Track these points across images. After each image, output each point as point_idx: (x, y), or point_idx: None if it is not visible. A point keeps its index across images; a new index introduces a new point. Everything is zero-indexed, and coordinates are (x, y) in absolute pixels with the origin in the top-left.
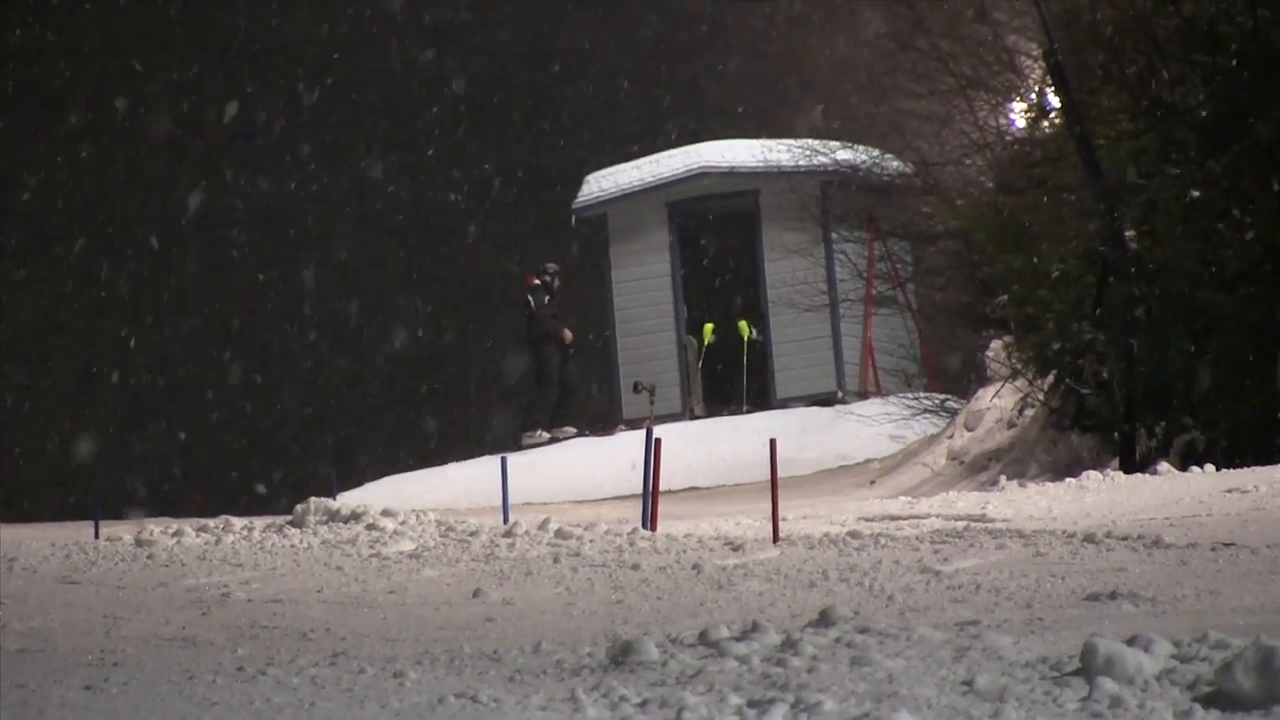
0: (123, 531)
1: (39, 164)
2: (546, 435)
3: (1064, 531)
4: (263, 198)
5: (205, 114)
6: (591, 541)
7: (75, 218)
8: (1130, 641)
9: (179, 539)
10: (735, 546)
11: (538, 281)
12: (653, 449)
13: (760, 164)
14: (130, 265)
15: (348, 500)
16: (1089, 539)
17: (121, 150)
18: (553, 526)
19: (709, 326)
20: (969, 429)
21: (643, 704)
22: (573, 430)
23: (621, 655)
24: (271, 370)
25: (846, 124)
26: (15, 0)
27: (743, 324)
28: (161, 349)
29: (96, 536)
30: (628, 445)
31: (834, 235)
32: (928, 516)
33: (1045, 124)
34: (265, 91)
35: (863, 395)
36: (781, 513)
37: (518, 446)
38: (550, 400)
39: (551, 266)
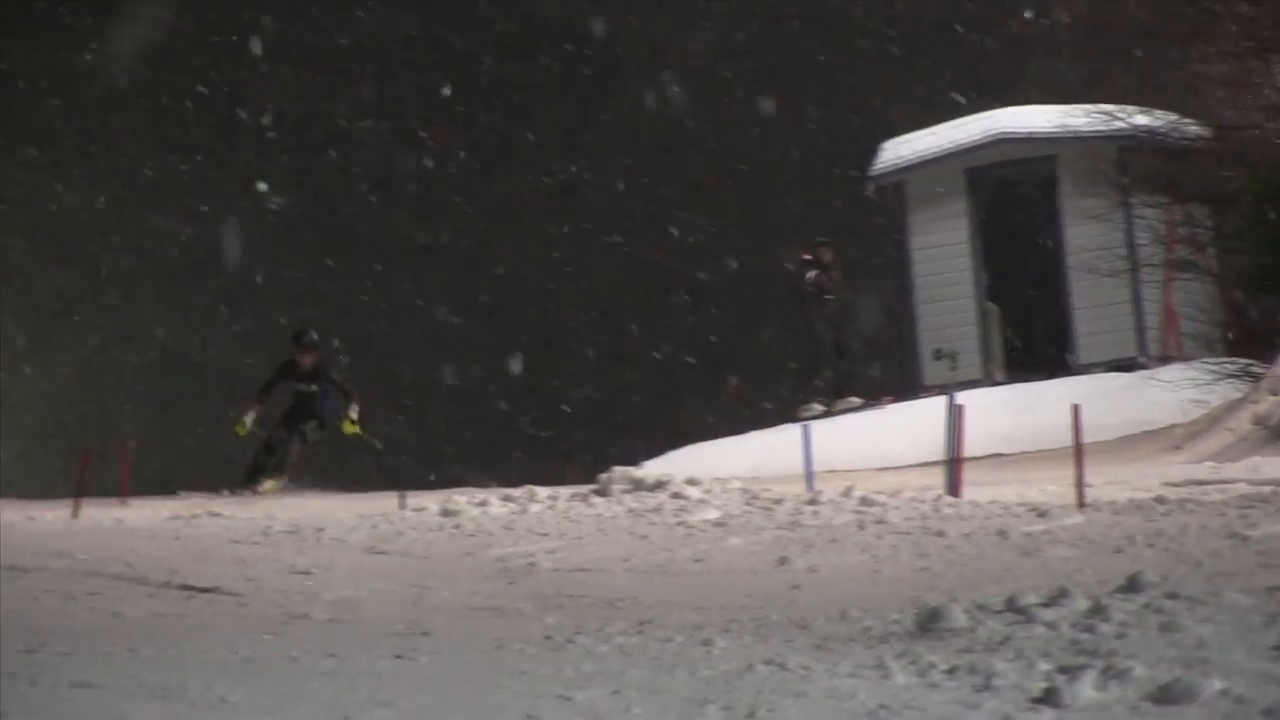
0: (429, 502)
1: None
2: (821, 408)
3: None
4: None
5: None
6: (896, 508)
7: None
8: None
9: (485, 509)
10: (1040, 512)
11: (807, 256)
12: (956, 416)
13: (1058, 129)
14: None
15: (651, 469)
16: None
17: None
18: (857, 494)
19: None
20: (1274, 393)
21: (951, 671)
22: (857, 401)
23: (929, 622)
24: (578, 342)
25: (1143, 87)
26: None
27: None
28: (465, 327)
29: (402, 507)
30: (931, 412)
31: (1133, 200)
32: (1234, 481)
33: None
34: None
35: (1164, 360)
36: (1086, 478)
37: (794, 420)
38: (822, 374)
39: (821, 239)
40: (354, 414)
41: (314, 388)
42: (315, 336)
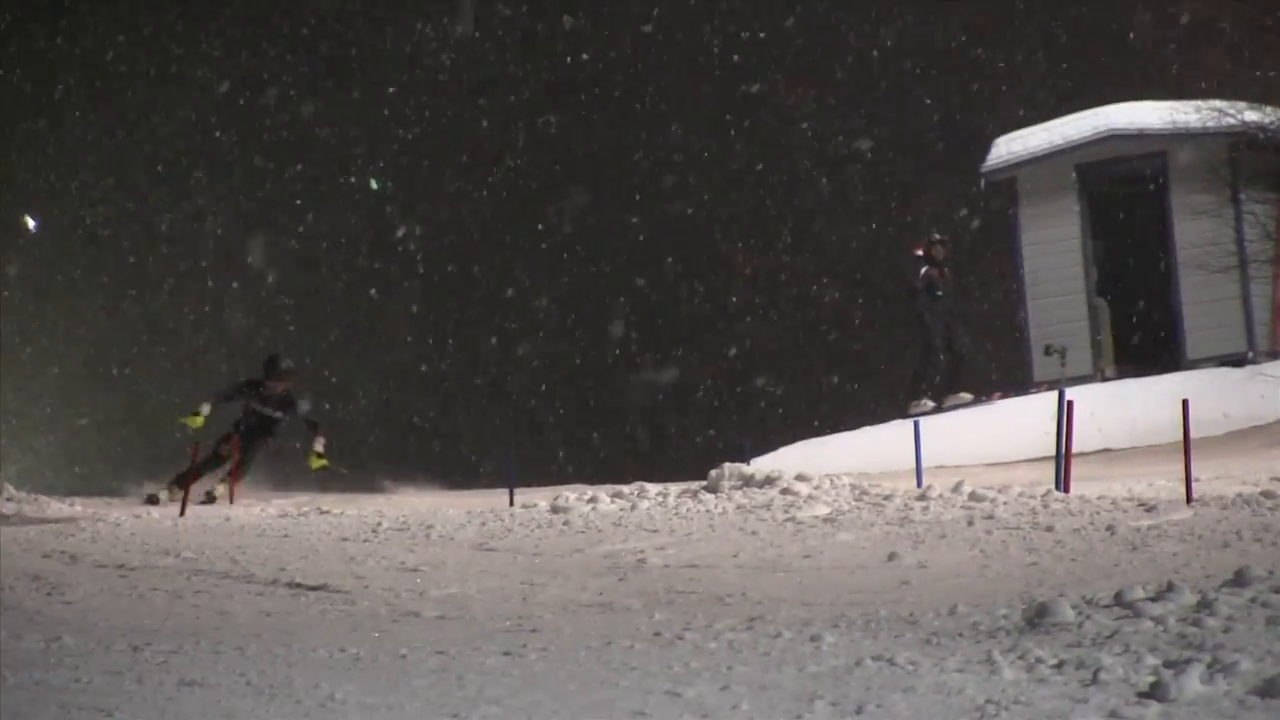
0: (538, 499)
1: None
2: (931, 405)
3: None
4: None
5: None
6: (1005, 504)
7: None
8: None
9: (594, 505)
10: (1149, 508)
11: (919, 252)
12: (1065, 411)
13: (1168, 126)
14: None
15: (761, 465)
16: None
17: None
18: (966, 489)
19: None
20: None
21: (1059, 665)
22: (968, 397)
23: (1037, 617)
24: (684, 339)
25: (1253, 84)
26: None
27: None
28: (567, 324)
29: (511, 504)
30: (1041, 407)
31: (1243, 196)
32: None
33: None
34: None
35: (1273, 355)
36: (1194, 474)
37: (904, 416)
38: (932, 370)
39: (936, 236)
40: (319, 446)
41: (278, 414)
42: (289, 365)
